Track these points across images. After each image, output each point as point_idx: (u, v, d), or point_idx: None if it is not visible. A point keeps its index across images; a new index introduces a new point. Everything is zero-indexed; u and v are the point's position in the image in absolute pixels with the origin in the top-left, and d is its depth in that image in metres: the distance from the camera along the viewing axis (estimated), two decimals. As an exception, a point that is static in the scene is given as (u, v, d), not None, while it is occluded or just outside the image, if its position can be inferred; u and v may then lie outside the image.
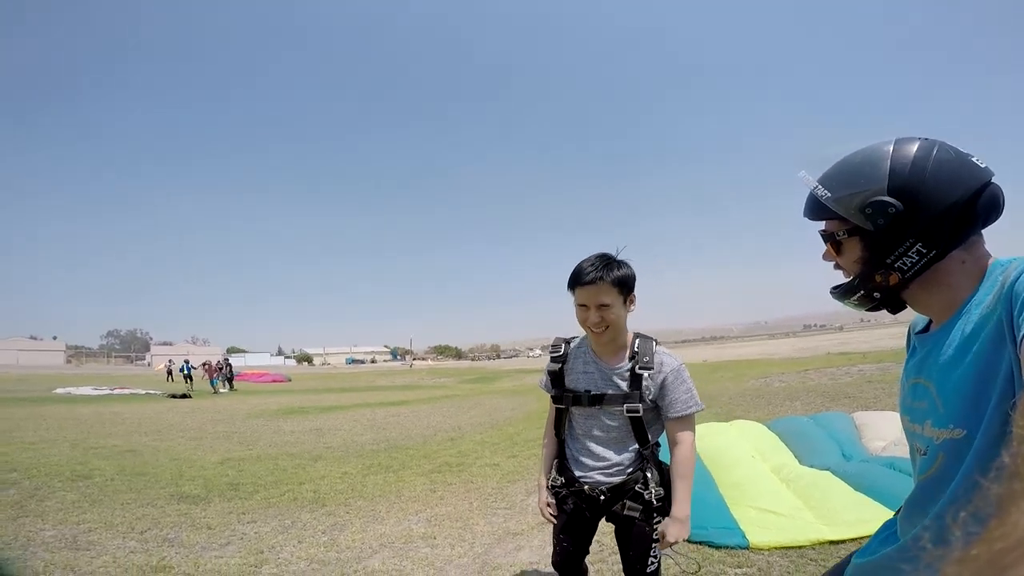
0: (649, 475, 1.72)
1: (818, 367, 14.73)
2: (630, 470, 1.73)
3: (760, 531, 2.98)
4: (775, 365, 18.05)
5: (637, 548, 1.75)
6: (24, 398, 15.56)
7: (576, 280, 1.66)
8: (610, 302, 1.64)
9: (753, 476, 3.65)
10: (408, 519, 3.92)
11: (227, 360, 22.38)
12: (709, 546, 3.00)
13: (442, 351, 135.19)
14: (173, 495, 4.63)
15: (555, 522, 1.82)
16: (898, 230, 0.77)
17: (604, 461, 1.75)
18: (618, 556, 1.89)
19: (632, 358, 1.73)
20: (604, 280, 1.61)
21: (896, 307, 0.87)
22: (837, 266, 0.91)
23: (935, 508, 0.76)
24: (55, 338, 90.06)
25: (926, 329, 0.88)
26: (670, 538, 1.65)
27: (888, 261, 0.80)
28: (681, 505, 1.66)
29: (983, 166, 0.77)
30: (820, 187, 0.85)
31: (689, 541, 3.09)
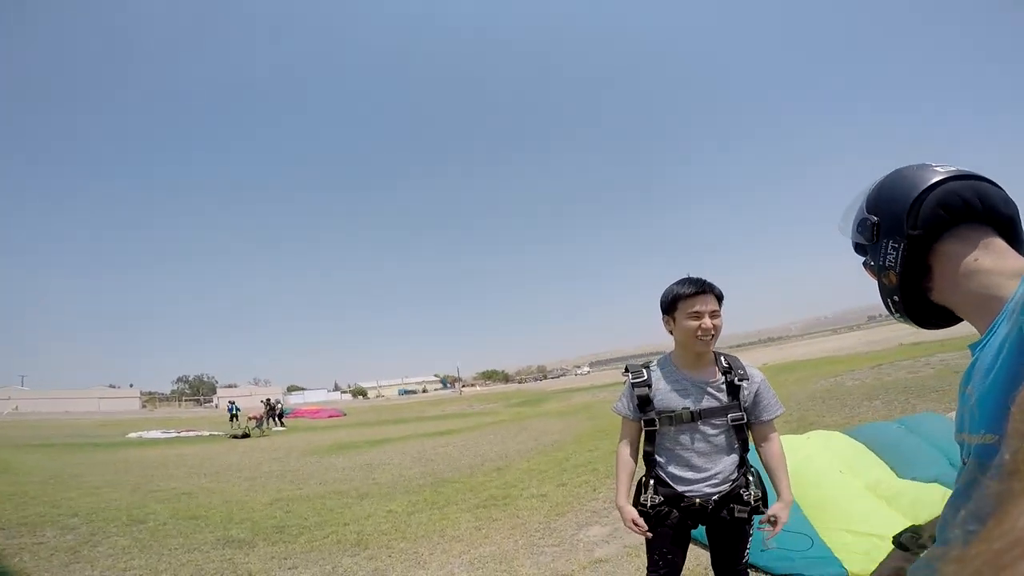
0: (750, 478, 1.87)
1: (893, 360, 13.33)
2: (734, 477, 1.84)
3: (861, 558, 2.56)
4: (844, 362, 16.57)
5: (737, 543, 1.90)
6: (100, 443, 16.44)
7: (682, 295, 1.82)
8: (717, 309, 1.82)
9: (844, 495, 3.15)
10: (451, 562, 3.69)
11: (268, 400, 22.77)
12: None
13: (490, 376, 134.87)
14: (220, 539, 4.60)
15: (649, 535, 1.85)
16: (879, 237, 0.88)
17: (707, 471, 1.82)
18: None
19: (726, 371, 1.86)
20: (711, 291, 1.82)
21: (941, 316, 0.90)
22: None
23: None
24: (131, 386, 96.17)
25: None
26: (782, 520, 1.80)
27: (881, 264, 0.88)
28: (786, 491, 1.84)
29: (942, 170, 0.83)
30: (842, 226, 0.99)
31: (775, 575, 2.73)
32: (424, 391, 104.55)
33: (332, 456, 10.75)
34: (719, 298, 1.84)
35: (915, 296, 0.88)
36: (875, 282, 1.00)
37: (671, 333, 1.90)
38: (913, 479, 3.26)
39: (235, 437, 17.35)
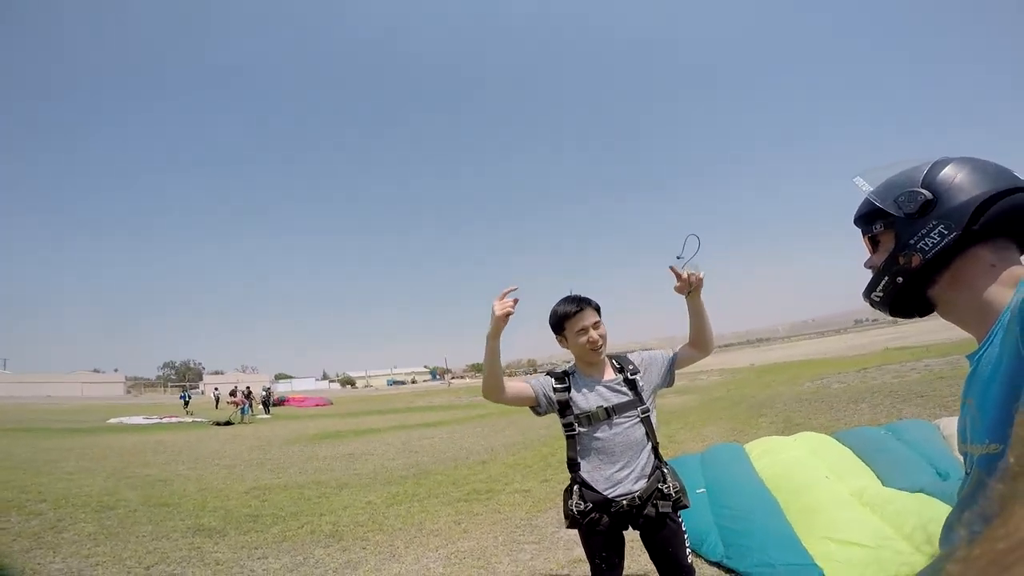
0: (666, 471, 1.94)
1: (878, 364, 13.33)
2: (649, 471, 1.91)
3: (841, 567, 2.48)
4: (830, 364, 16.61)
5: (673, 542, 1.90)
6: (79, 428, 16.15)
7: (566, 316, 1.99)
8: (599, 319, 2.00)
9: (829, 501, 3.06)
10: (427, 556, 3.58)
11: (244, 389, 22.17)
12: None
13: (479, 368, 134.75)
14: (191, 527, 4.46)
15: (510, 302, 1.87)
16: (924, 215, 0.82)
17: (628, 469, 1.89)
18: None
19: (620, 370, 2.02)
20: (589, 306, 2.00)
21: (922, 307, 0.89)
22: (874, 269, 0.94)
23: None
24: (116, 370, 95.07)
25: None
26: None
27: (911, 242, 0.83)
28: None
29: None
30: (865, 184, 0.92)
31: None
32: (413, 382, 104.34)
33: (315, 445, 10.60)
34: (597, 309, 2.02)
35: (918, 284, 0.86)
36: (866, 253, 0.97)
37: (567, 349, 2.05)
38: (899, 488, 3.15)
39: (218, 424, 17.13)
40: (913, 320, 0.98)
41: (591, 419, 1.91)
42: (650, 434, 1.95)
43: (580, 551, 3.39)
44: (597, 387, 1.97)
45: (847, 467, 3.64)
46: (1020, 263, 0.79)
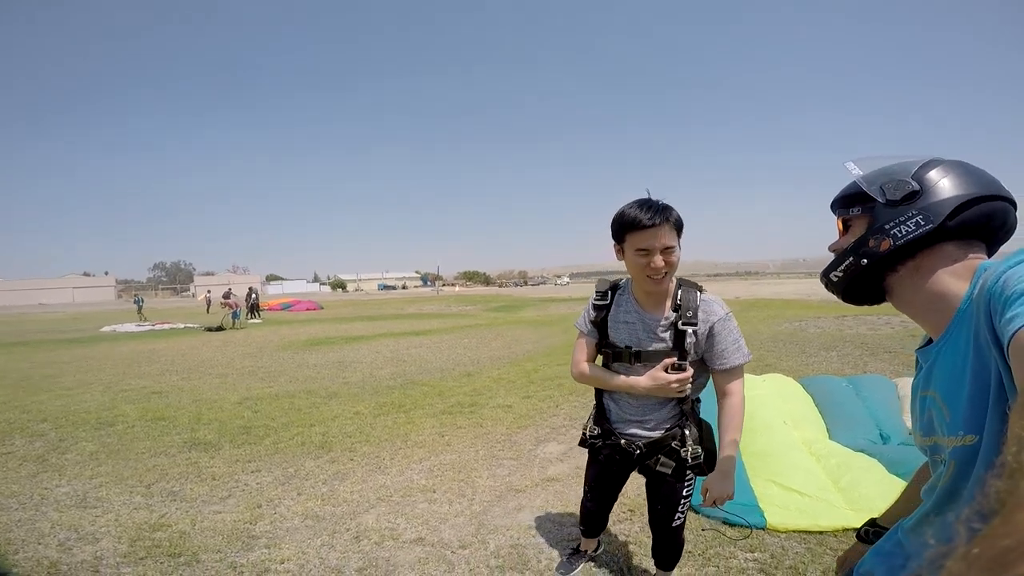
0: (687, 432, 1.72)
1: (857, 314, 13.78)
2: (667, 426, 1.73)
3: (780, 511, 2.68)
4: (811, 308, 17.15)
5: (665, 504, 1.83)
6: (74, 339, 16.30)
7: (633, 225, 1.53)
8: (673, 244, 1.55)
9: (782, 447, 3.23)
10: (411, 468, 3.82)
11: (249, 293, 22.53)
12: (723, 523, 2.73)
13: (470, 277, 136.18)
14: (187, 442, 4.66)
15: (687, 377, 1.65)
16: (906, 204, 0.84)
17: (643, 416, 1.74)
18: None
19: (676, 309, 1.65)
20: (667, 222, 1.52)
21: (875, 295, 0.92)
22: (838, 252, 0.95)
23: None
24: (107, 273, 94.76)
25: (928, 344, 0.89)
26: (713, 493, 1.61)
27: (887, 227, 0.85)
28: (728, 461, 1.62)
29: (1007, 190, 0.84)
30: (856, 168, 0.92)
31: (702, 514, 2.81)
32: (404, 287, 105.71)
33: (306, 352, 10.85)
34: (678, 228, 1.56)
35: (879, 270, 0.88)
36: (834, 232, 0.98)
37: (622, 261, 1.66)
38: (842, 444, 3.34)
39: (210, 330, 17.43)
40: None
41: (613, 356, 1.73)
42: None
43: (554, 470, 3.64)
44: (637, 322, 1.69)
45: (805, 415, 3.86)
46: (976, 261, 0.83)
